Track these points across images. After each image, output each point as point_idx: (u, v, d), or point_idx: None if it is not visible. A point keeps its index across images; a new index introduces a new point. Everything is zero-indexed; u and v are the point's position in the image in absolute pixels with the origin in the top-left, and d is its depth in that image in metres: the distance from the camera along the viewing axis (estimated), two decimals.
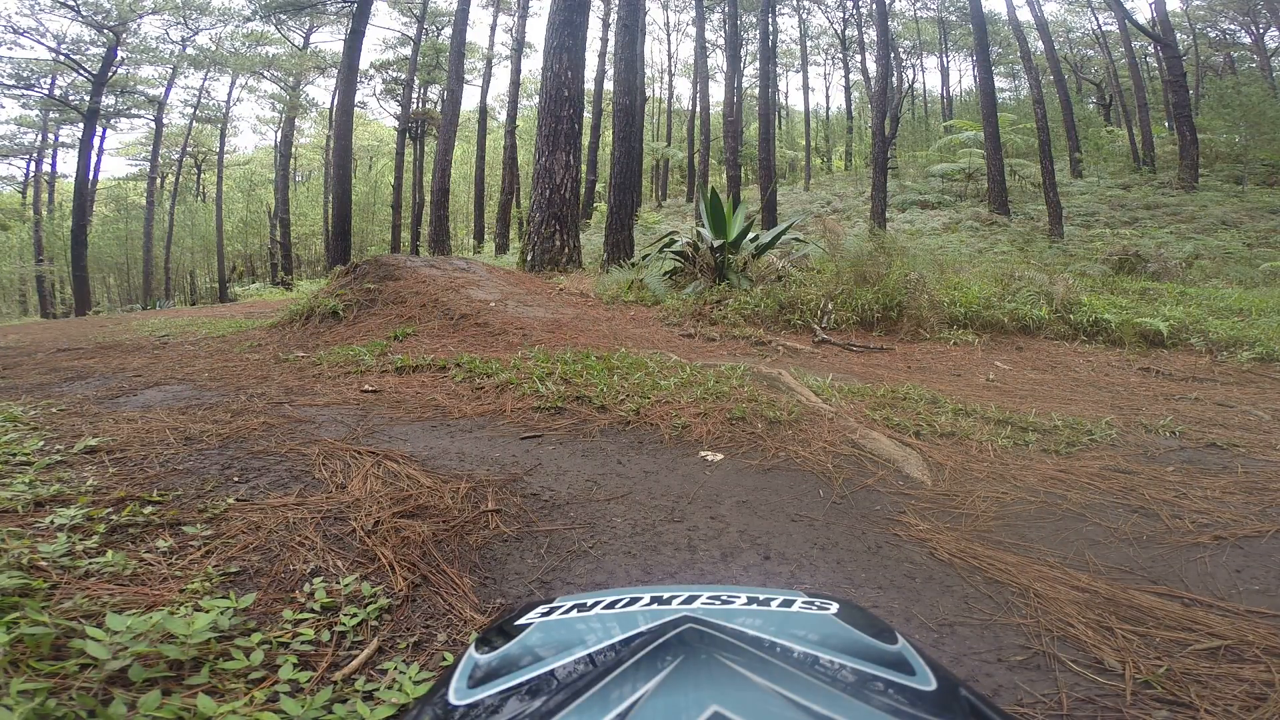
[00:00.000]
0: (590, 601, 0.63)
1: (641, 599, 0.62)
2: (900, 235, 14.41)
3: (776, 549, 1.63)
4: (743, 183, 19.36)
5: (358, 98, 23.94)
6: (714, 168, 24.56)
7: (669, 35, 35.41)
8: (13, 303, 31.18)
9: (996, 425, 2.62)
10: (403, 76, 27.87)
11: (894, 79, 21.30)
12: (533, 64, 30.16)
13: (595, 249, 12.63)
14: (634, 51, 11.05)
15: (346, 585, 1.37)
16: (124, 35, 22.21)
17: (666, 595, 0.62)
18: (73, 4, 20.63)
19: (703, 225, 5.73)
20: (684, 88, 48.71)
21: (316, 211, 31.37)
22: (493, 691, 0.48)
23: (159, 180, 29.11)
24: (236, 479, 1.95)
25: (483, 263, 5.14)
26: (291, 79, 27.44)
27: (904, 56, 31.05)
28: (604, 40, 25.42)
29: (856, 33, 30.80)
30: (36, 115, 25.62)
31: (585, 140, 15.15)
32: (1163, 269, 8.41)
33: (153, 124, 27.11)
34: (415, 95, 28.55)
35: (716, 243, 4.88)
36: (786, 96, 38.44)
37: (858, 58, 32.28)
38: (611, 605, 0.62)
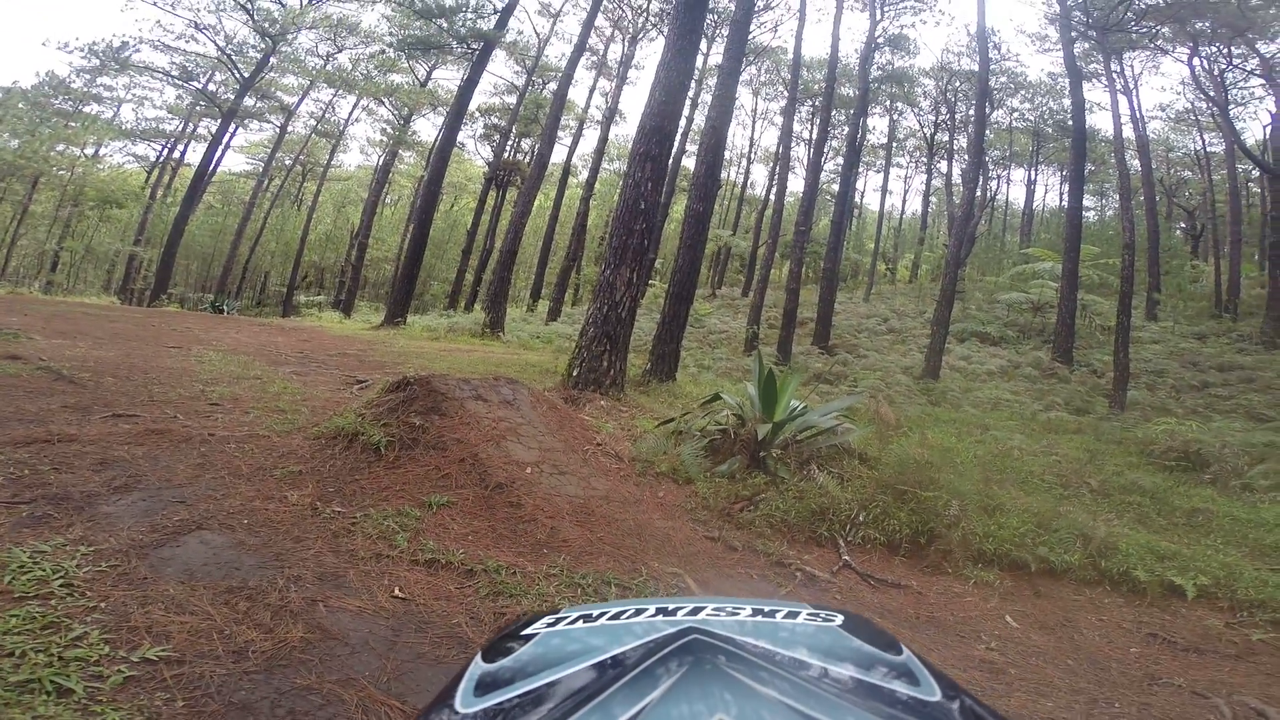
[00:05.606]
0: (596, 613, 0.64)
1: (647, 610, 0.62)
2: (954, 376, 14.18)
3: None
4: (804, 280, 19.49)
5: (458, 137, 25.17)
6: (777, 262, 24.75)
7: (754, 122, 36.15)
8: (102, 272, 32.95)
9: None
10: (502, 124, 29.06)
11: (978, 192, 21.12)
12: (619, 131, 31.11)
13: (642, 337, 12.63)
14: (718, 155, 11.32)
15: None
16: (280, 44, 23.92)
17: (672, 607, 0.63)
18: (249, 8, 22.54)
19: (752, 384, 5.75)
20: (759, 174, 49.07)
21: (394, 238, 32.99)
22: (498, 700, 0.48)
23: (265, 183, 31.18)
24: None
25: (528, 390, 5.27)
26: (406, 110, 29.08)
27: (991, 167, 30.90)
28: (689, 119, 25.65)
29: (947, 138, 30.79)
30: (186, 105, 27.70)
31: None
32: (1223, 470, 8.01)
33: (278, 130, 29.15)
34: (510, 144, 29.86)
35: (760, 432, 4.91)
36: (863, 196, 38.61)
37: (943, 164, 32.29)
38: (618, 616, 0.62)
